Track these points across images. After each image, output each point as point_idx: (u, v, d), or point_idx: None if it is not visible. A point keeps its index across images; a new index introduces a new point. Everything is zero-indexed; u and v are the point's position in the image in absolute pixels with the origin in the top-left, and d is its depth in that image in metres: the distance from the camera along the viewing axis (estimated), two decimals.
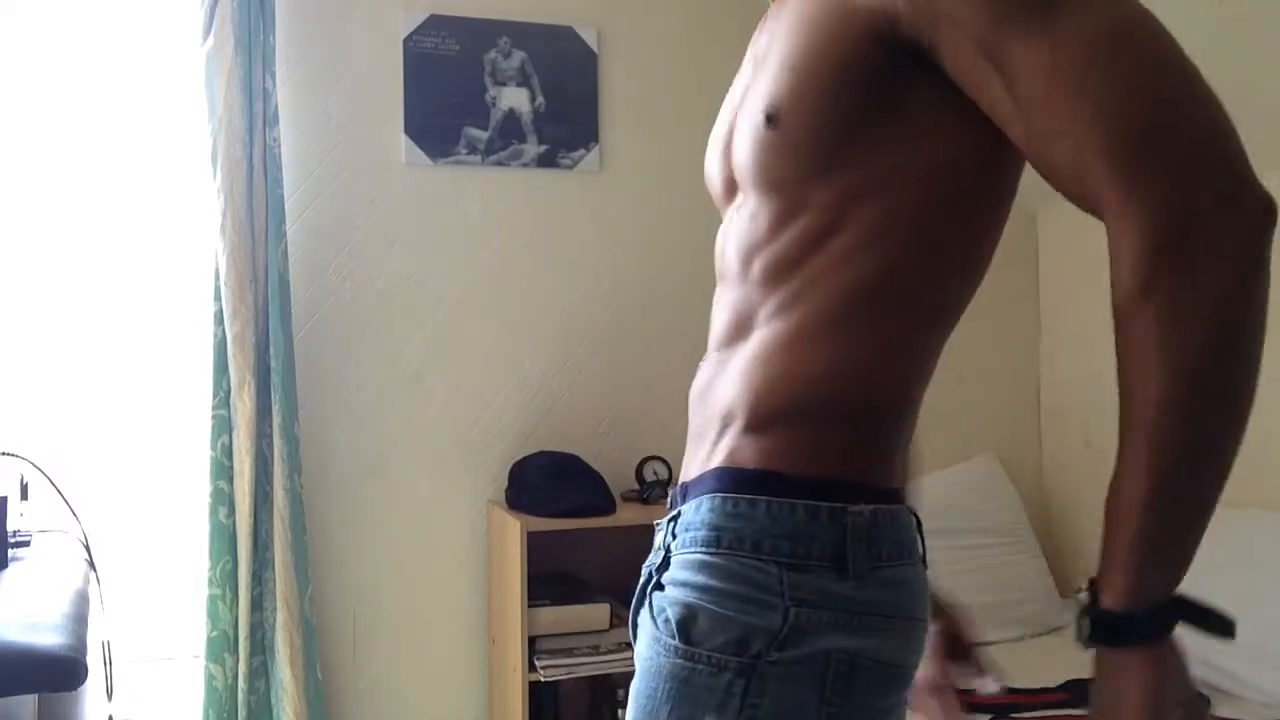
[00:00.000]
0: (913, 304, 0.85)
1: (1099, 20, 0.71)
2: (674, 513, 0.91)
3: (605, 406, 2.67)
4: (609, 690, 2.46)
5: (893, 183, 0.83)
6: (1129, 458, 0.68)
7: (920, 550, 0.90)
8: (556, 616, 2.30)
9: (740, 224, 0.92)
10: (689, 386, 1.00)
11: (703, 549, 0.84)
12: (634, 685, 0.89)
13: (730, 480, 0.86)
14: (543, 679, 2.26)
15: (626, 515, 2.36)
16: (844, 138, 0.84)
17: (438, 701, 2.55)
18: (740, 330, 0.90)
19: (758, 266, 0.88)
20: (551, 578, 2.48)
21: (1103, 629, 0.70)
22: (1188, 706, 0.71)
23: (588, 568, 2.55)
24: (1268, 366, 0.68)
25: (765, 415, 0.86)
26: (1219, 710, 2.04)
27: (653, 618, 0.86)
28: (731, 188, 0.97)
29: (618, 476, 2.56)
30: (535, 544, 2.32)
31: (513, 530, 2.29)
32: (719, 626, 0.81)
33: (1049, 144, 0.72)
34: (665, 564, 0.88)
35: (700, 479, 0.89)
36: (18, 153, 2.32)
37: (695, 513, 0.87)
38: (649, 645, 0.86)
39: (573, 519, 2.31)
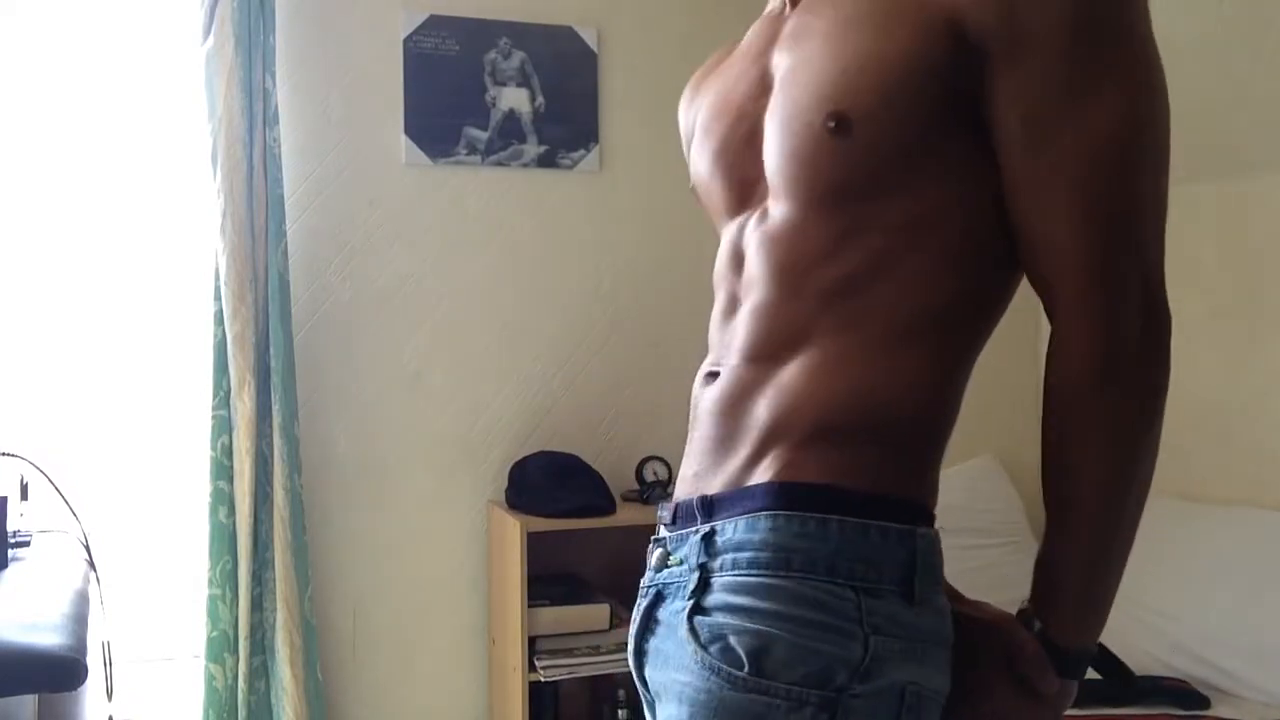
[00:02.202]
0: (972, 327, 0.85)
1: (1130, 115, 0.75)
2: (704, 529, 0.84)
3: (605, 406, 2.67)
4: (609, 690, 2.46)
5: (968, 207, 0.81)
6: (1075, 524, 0.79)
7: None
8: (556, 616, 2.30)
9: (776, 232, 0.86)
10: (689, 387, 0.97)
11: (767, 571, 0.78)
12: (670, 715, 0.82)
13: (790, 496, 0.79)
14: (543, 679, 2.26)
15: (626, 515, 2.36)
16: (923, 151, 0.80)
17: (438, 701, 2.55)
18: (787, 343, 0.84)
19: (814, 282, 0.83)
20: (551, 578, 2.48)
21: (1058, 661, 0.81)
22: None
23: (588, 568, 2.55)
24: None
25: (828, 428, 0.81)
26: (1219, 710, 2.04)
27: (700, 644, 0.79)
28: (747, 193, 0.91)
29: (618, 476, 2.56)
30: (535, 544, 2.32)
31: (513, 530, 2.29)
32: (799, 657, 0.75)
33: (1037, 217, 0.78)
34: (703, 585, 0.81)
35: (743, 493, 0.83)
36: (18, 153, 2.31)
37: (748, 531, 0.80)
38: (695, 675, 0.79)
39: (573, 519, 2.31)
